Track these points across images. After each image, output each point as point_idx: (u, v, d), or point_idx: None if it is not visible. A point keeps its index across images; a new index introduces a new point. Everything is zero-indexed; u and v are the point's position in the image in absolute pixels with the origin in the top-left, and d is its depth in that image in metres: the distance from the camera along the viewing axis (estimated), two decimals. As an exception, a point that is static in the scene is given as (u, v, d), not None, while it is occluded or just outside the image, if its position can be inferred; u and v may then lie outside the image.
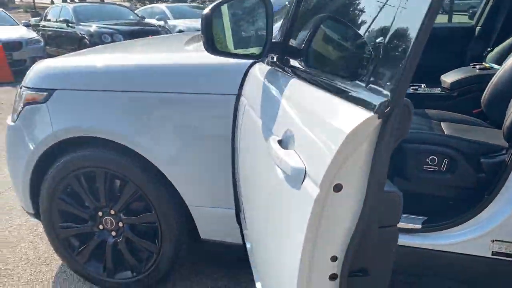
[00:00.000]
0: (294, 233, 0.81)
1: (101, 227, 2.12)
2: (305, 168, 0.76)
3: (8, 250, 2.58)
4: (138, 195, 1.98)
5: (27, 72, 2.18)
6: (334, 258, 0.80)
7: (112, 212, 2.07)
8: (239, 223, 1.90)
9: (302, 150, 0.81)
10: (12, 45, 8.81)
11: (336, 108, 0.77)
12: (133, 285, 2.14)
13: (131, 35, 8.62)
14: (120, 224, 2.08)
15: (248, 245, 1.66)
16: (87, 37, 9.37)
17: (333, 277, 0.81)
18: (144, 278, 2.11)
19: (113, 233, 2.11)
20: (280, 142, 0.92)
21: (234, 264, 2.35)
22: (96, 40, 8.99)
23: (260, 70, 1.54)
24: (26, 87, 2.12)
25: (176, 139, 1.83)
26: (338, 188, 0.72)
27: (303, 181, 0.76)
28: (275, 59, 1.34)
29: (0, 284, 2.26)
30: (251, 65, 1.72)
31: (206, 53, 2.04)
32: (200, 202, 1.90)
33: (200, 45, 2.23)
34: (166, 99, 1.82)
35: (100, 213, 2.09)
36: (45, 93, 2.02)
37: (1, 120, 5.66)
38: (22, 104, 2.11)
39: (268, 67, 1.44)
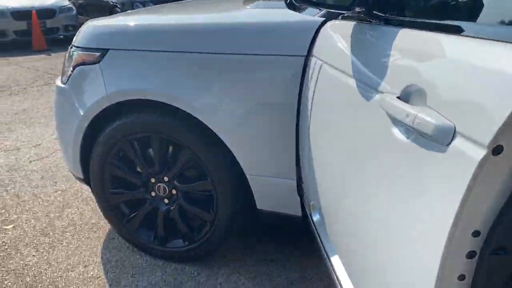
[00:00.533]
0: (428, 201, 0.70)
1: (153, 194, 2.05)
2: (454, 126, 0.64)
3: (55, 215, 2.56)
4: (193, 162, 1.89)
5: (78, 31, 2.09)
6: (476, 233, 0.68)
7: (166, 179, 1.99)
8: (300, 194, 1.80)
9: (445, 106, 0.69)
10: (46, 13, 8.80)
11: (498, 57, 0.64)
12: (184, 255, 2.08)
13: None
14: (173, 192, 2.01)
15: (316, 217, 1.56)
16: (118, 6, 9.29)
17: (471, 255, 0.70)
18: (196, 248, 2.04)
19: (166, 201, 2.05)
20: (398, 99, 0.80)
21: (287, 236, 2.27)
22: (128, 8, 8.89)
23: (340, 26, 1.40)
24: (77, 46, 2.03)
25: (237, 104, 1.72)
26: (497, 150, 0.60)
27: (451, 141, 0.64)
28: (364, 12, 1.20)
29: (50, 249, 2.24)
30: (323, 23, 1.59)
31: (269, 11, 1.93)
32: (259, 171, 1.80)
33: (261, 3, 2.12)
34: (228, 61, 1.70)
35: (152, 180, 2.02)
36: (97, 53, 1.93)
37: (40, 86, 5.68)
38: (72, 65, 2.03)
39: (352, 23, 1.30)
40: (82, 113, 1.98)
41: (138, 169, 2.05)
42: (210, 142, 1.82)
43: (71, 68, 2.04)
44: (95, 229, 2.41)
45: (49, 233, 2.38)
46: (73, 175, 2.27)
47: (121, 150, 2.00)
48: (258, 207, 1.90)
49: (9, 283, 1.99)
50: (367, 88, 0.99)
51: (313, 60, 1.54)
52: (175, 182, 1.98)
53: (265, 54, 1.66)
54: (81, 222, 2.48)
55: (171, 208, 2.03)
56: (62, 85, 2.09)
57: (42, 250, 2.23)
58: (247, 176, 1.83)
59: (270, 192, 1.84)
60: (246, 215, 1.97)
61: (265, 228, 2.31)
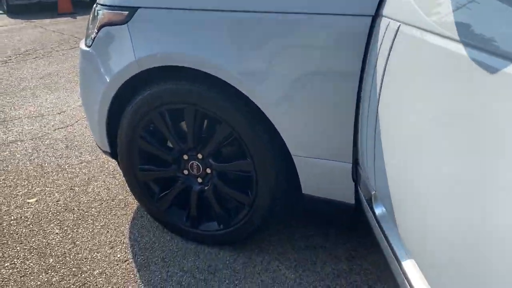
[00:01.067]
0: None
1: (185, 172, 1.85)
2: None
3: (80, 189, 2.40)
4: (232, 139, 1.67)
5: None
6: None
7: (200, 156, 1.78)
8: (355, 180, 1.56)
9: None
10: (71, -26, 8.56)
11: None
12: (219, 239, 1.89)
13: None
14: (208, 171, 1.80)
15: (379, 210, 1.32)
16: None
17: None
18: (232, 232, 1.85)
19: (199, 180, 1.84)
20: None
21: (331, 224, 2.05)
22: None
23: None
24: (102, 5, 1.80)
25: (286, 73, 1.46)
26: None
27: None
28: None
29: (74, 227, 2.08)
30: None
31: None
32: (308, 152, 1.57)
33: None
34: (277, 22, 1.44)
35: (185, 157, 1.81)
36: (126, 12, 1.69)
37: (65, 50, 5.51)
38: (97, 26, 1.80)
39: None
40: (108, 80, 1.77)
41: (170, 145, 1.84)
42: (252, 117, 1.58)
43: (95, 30, 1.81)
44: (122, 206, 2.24)
45: (73, 209, 2.22)
46: (99, 148, 2.08)
47: (151, 123, 1.80)
48: (304, 191, 1.68)
49: (32, 264, 1.84)
50: (486, 54, 0.73)
51: (384, 21, 1.26)
52: (210, 161, 1.77)
53: (321, 13, 1.39)
54: (107, 198, 2.31)
55: (205, 188, 1.83)
56: (86, 48, 1.88)
57: (66, 228, 2.08)
58: (293, 157, 1.60)
59: (319, 176, 1.61)
60: (289, 199, 1.76)
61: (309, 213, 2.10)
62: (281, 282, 1.73)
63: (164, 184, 1.94)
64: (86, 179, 2.50)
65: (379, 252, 1.35)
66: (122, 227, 2.07)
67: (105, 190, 2.39)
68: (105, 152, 2.04)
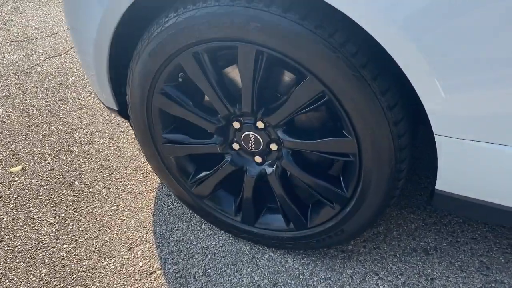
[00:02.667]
0: None
1: (236, 147, 1.18)
2: None
3: (80, 150, 1.76)
4: (321, 103, 0.98)
5: None
6: None
7: (260, 125, 1.10)
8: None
9: None
10: None
11: None
12: (285, 241, 1.27)
13: None
14: (274, 147, 1.13)
15: None
16: None
17: None
18: (306, 237, 1.23)
19: (258, 159, 1.18)
20: None
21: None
22: None
23: None
24: None
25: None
26: None
27: None
28: None
29: (74, 212, 1.48)
30: None
31: None
32: (464, 131, 0.88)
33: None
34: None
35: (236, 124, 1.13)
36: None
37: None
38: None
39: None
40: (106, 3, 1.04)
41: (211, 105, 1.15)
42: (369, 69, 0.88)
43: None
44: (139, 177, 1.61)
45: (73, 183, 1.60)
46: (104, 105, 1.40)
47: (179, 70, 1.10)
48: (438, 187, 1.01)
49: (16, 279, 1.27)
50: None
51: None
52: (279, 133, 1.09)
53: None
54: (118, 165, 1.68)
55: (268, 172, 1.18)
56: None
57: (62, 214, 1.47)
58: (437, 137, 0.91)
59: (471, 165, 0.93)
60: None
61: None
62: (389, 316, 1.14)
63: (202, 162, 1.29)
64: (88, 134, 1.84)
65: None
66: (142, 213, 1.46)
67: (115, 151, 1.74)
68: (110, 109, 1.37)
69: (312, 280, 1.24)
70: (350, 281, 1.23)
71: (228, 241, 1.36)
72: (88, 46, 1.21)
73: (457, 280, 1.21)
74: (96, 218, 1.45)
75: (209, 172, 1.26)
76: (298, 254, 1.31)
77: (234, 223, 1.31)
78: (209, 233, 1.39)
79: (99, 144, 1.78)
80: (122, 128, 1.86)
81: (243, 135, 1.15)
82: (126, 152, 1.73)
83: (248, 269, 1.27)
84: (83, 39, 1.22)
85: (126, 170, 1.64)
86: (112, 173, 1.63)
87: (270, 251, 1.32)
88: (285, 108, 1.03)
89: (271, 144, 1.13)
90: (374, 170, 1.01)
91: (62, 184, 1.59)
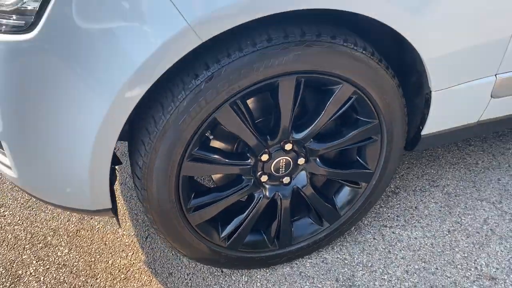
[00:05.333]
0: None
1: (264, 179, 1.21)
2: None
3: None
4: (351, 103, 1.14)
5: None
6: None
7: (289, 146, 1.17)
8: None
9: None
10: None
11: None
12: (322, 241, 1.37)
13: None
14: (301, 161, 1.21)
15: None
16: None
17: None
18: (339, 226, 1.37)
19: (286, 180, 1.24)
20: None
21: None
22: None
23: None
24: None
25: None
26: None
27: None
28: None
29: None
30: None
31: None
32: (451, 81, 1.20)
33: None
34: None
35: (264, 157, 1.16)
36: None
37: None
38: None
39: None
40: (124, 81, 0.90)
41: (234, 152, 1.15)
42: (384, 63, 1.09)
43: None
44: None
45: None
46: (75, 210, 1.16)
47: (211, 127, 1.06)
48: (425, 132, 1.32)
49: None
50: None
51: None
52: (311, 145, 1.19)
53: None
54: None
55: (303, 185, 1.25)
56: (17, 37, 0.89)
57: None
58: (433, 93, 1.20)
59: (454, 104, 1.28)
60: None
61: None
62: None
63: (229, 214, 1.25)
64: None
65: None
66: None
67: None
68: (96, 212, 1.15)
69: (355, 258, 1.39)
70: (374, 240, 1.43)
71: (270, 273, 1.36)
72: (74, 152, 1.00)
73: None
74: None
75: (242, 219, 1.23)
76: (327, 249, 1.42)
77: (272, 253, 1.33)
78: (246, 279, 1.35)
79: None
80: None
81: (273, 164, 1.19)
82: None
83: (315, 279, 1.33)
84: (68, 145, 0.99)
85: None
86: None
87: (307, 259, 1.40)
88: (320, 120, 1.13)
89: (299, 159, 1.21)
90: (393, 136, 1.23)
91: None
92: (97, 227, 1.54)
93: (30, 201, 1.65)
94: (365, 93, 1.12)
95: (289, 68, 1.01)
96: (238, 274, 1.37)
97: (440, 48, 1.11)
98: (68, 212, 1.59)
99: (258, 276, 1.36)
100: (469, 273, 1.33)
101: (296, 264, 1.39)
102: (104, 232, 1.52)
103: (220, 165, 1.13)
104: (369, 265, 1.37)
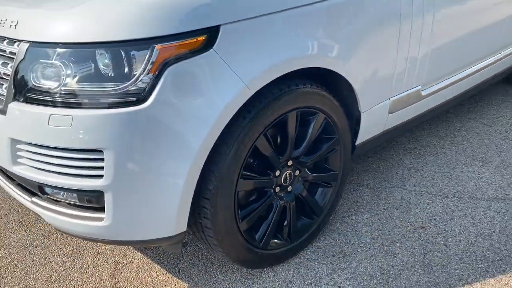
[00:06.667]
0: None
1: (277, 189, 1.73)
2: None
3: None
4: (323, 125, 1.76)
5: (136, 12, 1.31)
6: None
7: (290, 162, 1.73)
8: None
9: None
10: None
11: None
12: (316, 232, 1.90)
13: None
14: (297, 173, 1.78)
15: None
16: None
17: None
18: (324, 218, 1.92)
19: (290, 189, 1.77)
20: None
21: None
22: None
23: None
24: (149, 39, 1.30)
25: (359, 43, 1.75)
26: None
27: None
28: None
29: None
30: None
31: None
32: (366, 104, 1.92)
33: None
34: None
35: (277, 172, 1.70)
36: (202, 37, 1.35)
37: None
38: (152, 69, 1.30)
39: None
40: (208, 129, 1.37)
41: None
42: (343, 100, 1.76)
43: (150, 75, 1.30)
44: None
45: None
46: (145, 242, 1.49)
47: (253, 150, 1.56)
48: (358, 142, 2.00)
49: None
50: None
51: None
52: (303, 159, 1.77)
53: None
54: None
55: (301, 190, 1.80)
56: (135, 108, 1.30)
57: None
58: (363, 114, 1.90)
59: (375, 118, 2.00)
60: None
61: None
62: (375, 220, 2.04)
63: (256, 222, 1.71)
64: None
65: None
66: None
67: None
68: (167, 238, 1.49)
69: (337, 240, 1.94)
70: (343, 226, 2.02)
71: (287, 265, 1.82)
72: (167, 189, 1.39)
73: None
74: None
75: (268, 223, 1.70)
76: (317, 240, 1.95)
77: (286, 247, 1.80)
78: (273, 275, 1.78)
79: None
80: None
81: (282, 177, 1.71)
82: None
83: (319, 260, 1.82)
84: (163, 184, 1.38)
85: None
86: None
87: (307, 250, 1.89)
88: (308, 139, 1.71)
89: (296, 171, 1.76)
90: (345, 146, 1.87)
91: None
92: (130, 276, 1.80)
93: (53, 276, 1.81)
94: (330, 118, 1.75)
95: (292, 106, 1.59)
96: (265, 272, 1.79)
97: (363, 82, 1.82)
98: (99, 271, 1.81)
99: (280, 269, 1.80)
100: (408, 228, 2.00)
101: (302, 254, 1.87)
102: (139, 279, 1.79)
103: (256, 180, 1.61)
104: (348, 240, 1.93)
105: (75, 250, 1.96)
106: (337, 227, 2.02)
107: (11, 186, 1.64)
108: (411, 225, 2.03)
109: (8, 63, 1.45)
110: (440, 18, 2.05)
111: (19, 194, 1.61)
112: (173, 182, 1.38)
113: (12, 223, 2.16)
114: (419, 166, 2.50)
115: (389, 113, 2.06)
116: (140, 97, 1.30)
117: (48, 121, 1.33)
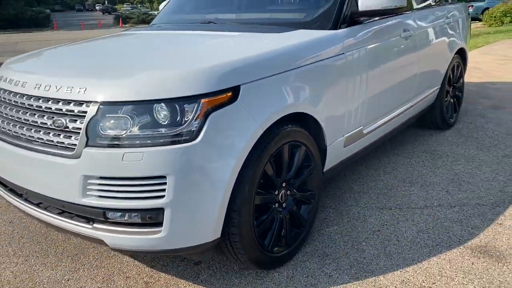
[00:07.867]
0: None
1: (276, 205, 2.28)
2: None
3: None
4: (304, 155, 2.37)
5: (187, 77, 1.86)
6: None
7: (284, 184, 2.30)
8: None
9: None
10: None
11: None
12: (307, 230, 2.45)
13: None
14: (288, 192, 2.34)
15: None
16: None
17: None
18: (312, 220, 2.48)
19: (284, 205, 2.33)
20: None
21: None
22: None
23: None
24: (194, 96, 1.85)
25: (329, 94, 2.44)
26: None
27: None
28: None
29: None
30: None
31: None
32: (332, 138, 2.59)
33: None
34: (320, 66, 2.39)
35: (276, 192, 2.26)
36: (229, 93, 1.94)
37: None
38: (199, 116, 1.84)
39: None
40: (236, 158, 1.91)
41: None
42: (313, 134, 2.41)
43: (198, 120, 1.84)
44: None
45: None
46: (188, 249, 1.94)
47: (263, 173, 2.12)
48: (325, 169, 2.65)
49: None
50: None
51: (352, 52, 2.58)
52: (292, 181, 2.34)
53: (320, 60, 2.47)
54: None
55: (292, 205, 2.36)
56: (188, 144, 1.82)
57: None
58: (318, 147, 2.56)
59: (334, 145, 2.66)
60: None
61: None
62: (343, 229, 2.65)
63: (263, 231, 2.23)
64: None
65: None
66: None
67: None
68: (206, 245, 1.96)
69: (319, 247, 2.50)
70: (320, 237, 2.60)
71: (289, 266, 2.33)
72: (208, 204, 1.89)
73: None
74: None
75: (273, 231, 2.23)
76: (304, 246, 2.49)
77: (285, 251, 2.32)
78: (286, 275, 2.28)
79: None
80: None
81: (279, 196, 2.27)
82: None
83: (311, 259, 2.36)
84: (204, 199, 1.87)
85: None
86: None
87: (299, 253, 2.42)
88: (295, 166, 2.31)
89: (287, 191, 2.33)
90: (318, 171, 2.49)
91: None
92: (163, 290, 2.19)
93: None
94: (308, 149, 2.37)
95: (285, 140, 2.19)
96: (271, 273, 2.28)
97: (327, 122, 2.48)
98: (137, 289, 2.17)
99: (281, 269, 2.30)
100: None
101: (295, 258, 2.40)
102: (173, 288, 2.18)
103: (265, 196, 2.15)
104: (327, 245, 2.50)
105: (105, 278, 2.30)
106: (316, 237, 2.59)
107: (64, 219, 2.01)
108: (370, 230, 2.66)
109: (77, 120, 1.90)
110: (372, 76, 2.83)
111: (75, 225, 1.98)
112: (214, 197, 1.88)
113: (35, 266, 2.43)
114: (365, 189, 3.19)
115: (343, 146, 2.74)
116: (191, 136, 1.82)
117: (123, 157, 1.79)
